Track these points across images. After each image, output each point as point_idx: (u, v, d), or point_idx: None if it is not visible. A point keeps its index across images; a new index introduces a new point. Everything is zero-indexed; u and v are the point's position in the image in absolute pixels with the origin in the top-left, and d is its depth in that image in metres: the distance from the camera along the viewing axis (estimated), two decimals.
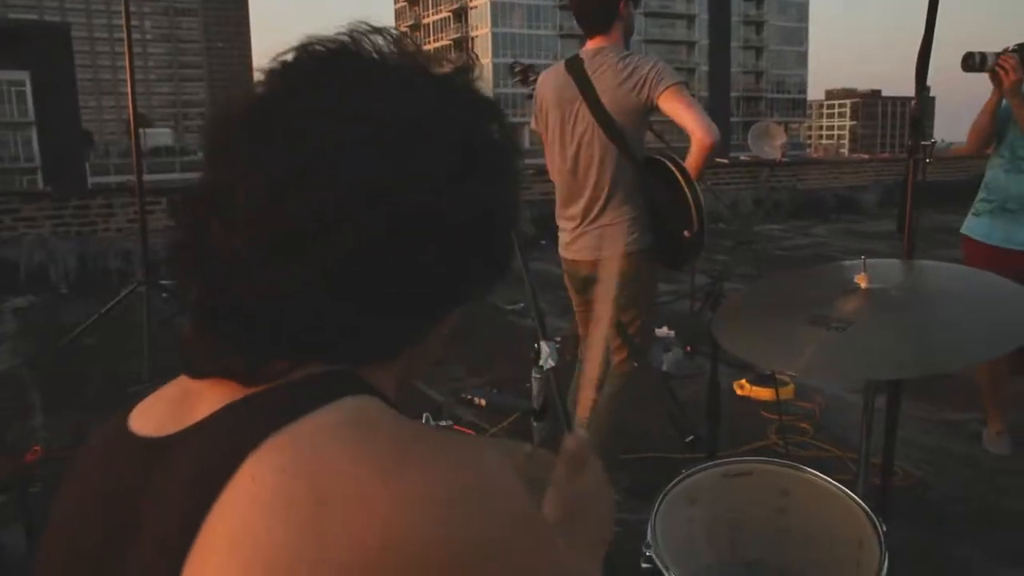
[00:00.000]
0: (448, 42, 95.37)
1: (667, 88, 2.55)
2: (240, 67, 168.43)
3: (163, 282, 6.75)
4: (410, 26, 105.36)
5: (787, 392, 4.14)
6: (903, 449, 3.37)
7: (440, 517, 0.51)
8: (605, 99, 2.62)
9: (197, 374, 0.62)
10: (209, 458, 0.55)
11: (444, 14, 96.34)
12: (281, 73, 0.61)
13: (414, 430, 0.57)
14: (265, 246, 0.56)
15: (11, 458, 3.15)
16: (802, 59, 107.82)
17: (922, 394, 4.00)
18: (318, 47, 0.61)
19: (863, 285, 1.33)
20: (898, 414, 1.60)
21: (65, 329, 5.56)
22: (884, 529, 1.22)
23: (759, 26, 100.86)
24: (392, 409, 0.59)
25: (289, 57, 0.61)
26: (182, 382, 0.66)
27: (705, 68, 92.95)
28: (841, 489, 1.31)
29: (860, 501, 1.29)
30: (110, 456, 0.65)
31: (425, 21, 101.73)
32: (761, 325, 1.42)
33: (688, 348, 4.75)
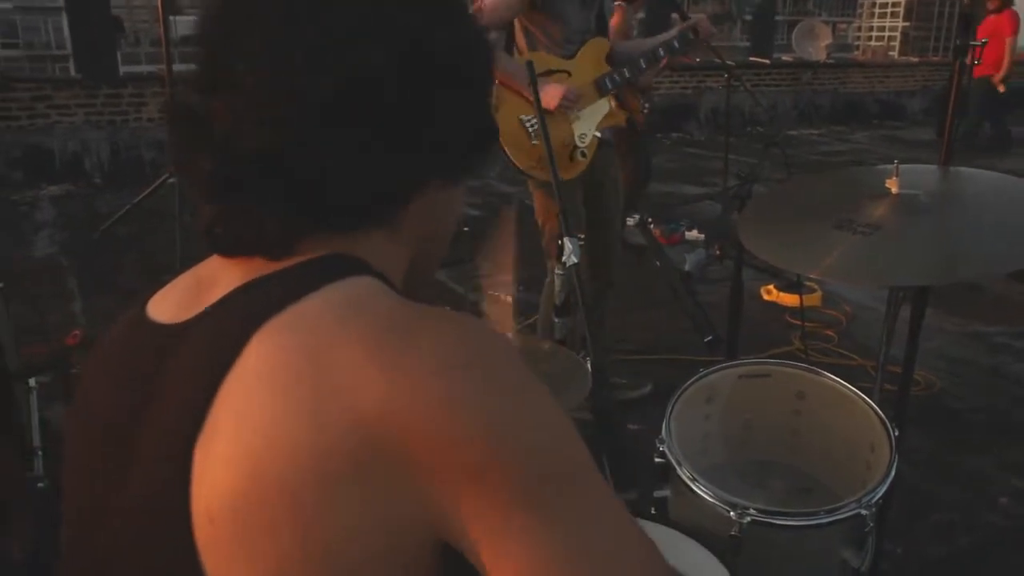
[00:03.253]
0: None
1: None
2: None
3: None
4: None
5: (814, 300, 4.12)
6: (929, 359, 3.37)
7: (439, 388, 0.52)
8: None
9: (224, 249, 0.64)
10: (218, 339, 0.57)
11: None
12: None
13: (412, 308, 0.58)
14: (269, 91, 0.58)
15: (53, 341, 3.26)
16: None
17: (952, 306, 3.97)
18: None
19: (893, 190, 1.30)
20: (921, 322, 1.59)
21: (100, 218, 5.65)
22: (896, 434, 1.23)
23: None
24: (392, 290, 0.61)
25: None
26: (196, 271, 0.68)
27: None
28: (856, 394, 1.32)
29: (875, 406, 1.30)
30: (128, 342, 0.68)
31: None
32: (786, 228, 1.41)
33: (718, 251, 4.71)
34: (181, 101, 0.62)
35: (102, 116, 7.56)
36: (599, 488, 0.55)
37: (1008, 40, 8.55)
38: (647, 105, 5.16)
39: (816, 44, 9.86)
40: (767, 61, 11.71)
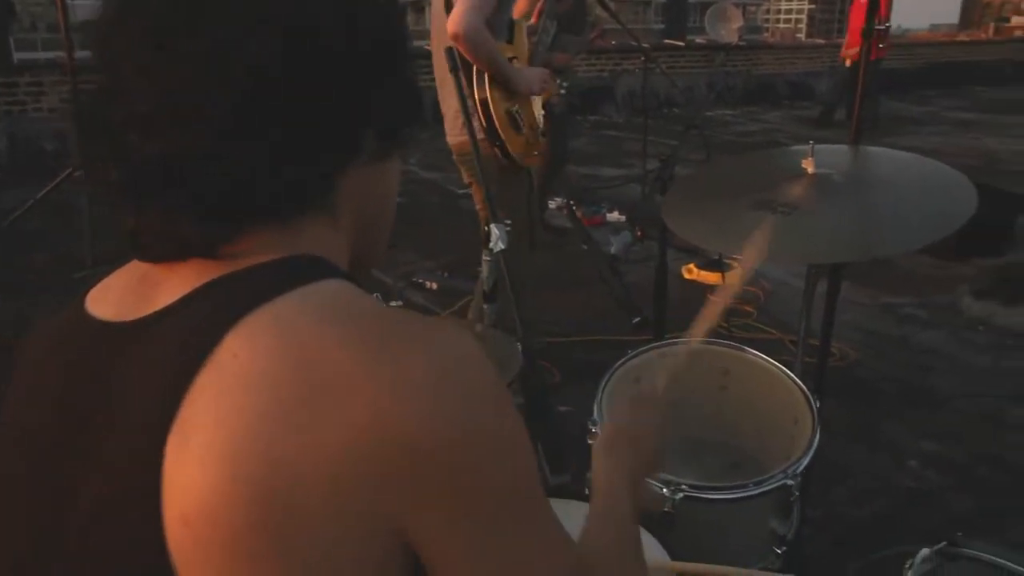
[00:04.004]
0: None
1: None
2: None
3: None
4: None
5: (734, 277, 4.24)
6: (844, 332, 3.51)
7: (425, 399, 0.53)
8: None
9: (153, 258, 0.61)
10: (187, 337, 0.55)
11: None
12: None
13: (392, 315, 0.59)
14: (166, 102, 0.56)
15: None
16: None
17: (863, 279, 4.13)
18: None
19: (809, 170, 1.34)
20: (837, 297, 1.65)
21: (3, 213, 5.38)
22: (818, 406, 1.28)
23: None
24: (366, 294, 0.60)
25: None
26: (135, 267, 0.65)
27: None
28: (779, 368, 1.37)
29: (797, 380, 1.35)
30: (67, 341, 0.65)
31: None
32: (708, 209, 1.44)
33: (640, 232, 4.79)
34: (80, 100, 0.60)
35: None
36: (542, 503, 0.60)
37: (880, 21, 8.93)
38: (565, 85, 5.20)
39: (728, 27, 10.08)
40: (682, 44, 11.93)
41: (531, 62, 2.92)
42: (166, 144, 0.56)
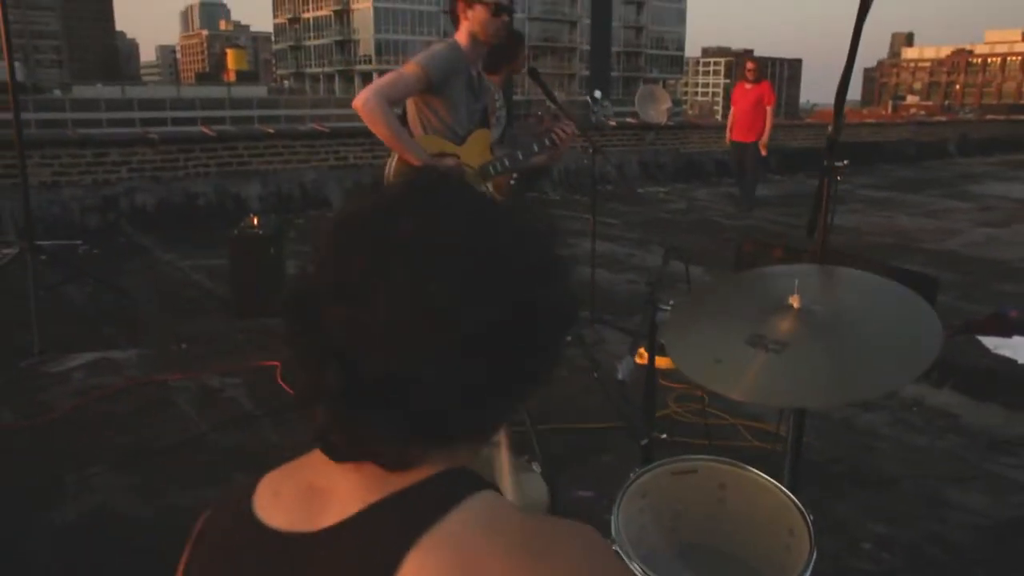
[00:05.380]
0: (328, 13, 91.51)
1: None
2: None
3: (42, 243, 6.36)
4: None
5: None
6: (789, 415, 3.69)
7: None
8: None
9: (337, 458, 0.70)
10: (372, 556, 0.64)
11: None
12: (397, 196, 0.71)
13: (540, 524, 0.69)
14: (407, 329, 0.65)
15: None
16: (680, 16, 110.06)
17: None
18: (423, 178, 0.73)
19: (795, 305, 1.51)
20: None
21: None
22: (812, 519, 1.42)
23: None
24: (510, 502, 0.71)
25: (408, 183, 0.73)
26: (302, 474, 0.74)
27: (587, 22, 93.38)
28: (774, 484, 1.51)
29: (791, 495, 1.48)
30: (242, 550, 0.73)
31: None
32: (706, 343, 1.61)
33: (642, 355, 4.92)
34: (295, 295, 0.69)
35: None
36: None
37: (769, 110, 9.48)
38: (514, 176, 5.40)
39: (658, 107, 10.58)
40: (613, 123, 12.43)
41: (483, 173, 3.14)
42: (399, 364, 0.65)
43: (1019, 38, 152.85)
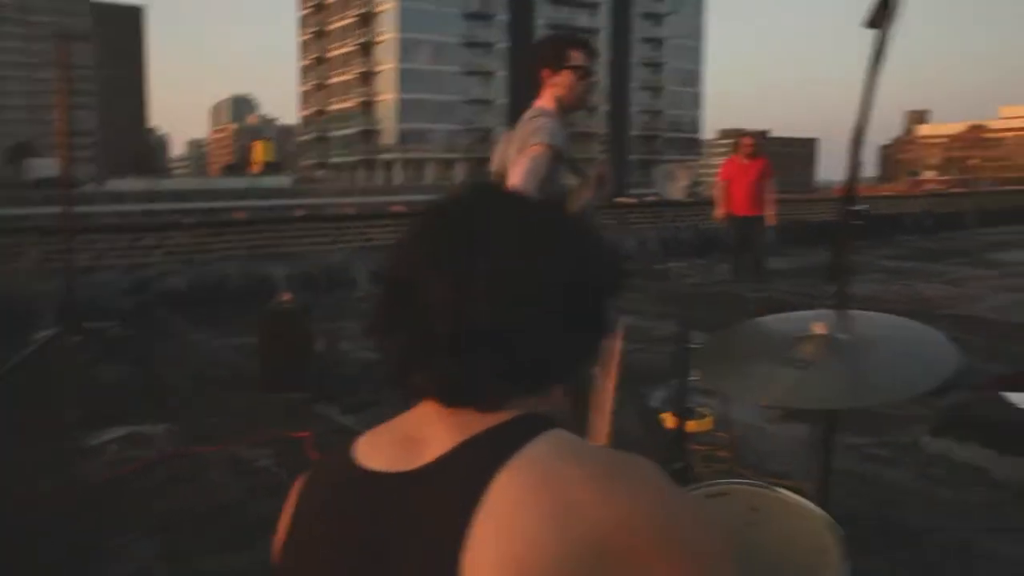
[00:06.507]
0: (354, 76, 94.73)
1: (528, 145, 2.87)
2: (134, 96, 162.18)
3: (80, 324, 6.55)
4: (315, 59, 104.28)
5: (706, 424, 4.47)
6: (814, 472, 3.70)
7: (644, 509, 0.77)
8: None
9: (449, 402, 0.84)
10: (469, 478, 0.76)
11: (350, 47, 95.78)
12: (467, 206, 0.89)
13: (606, 450, 0.83)
14: (506, 282, 0.81)
15: None
16: (696, 100, 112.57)
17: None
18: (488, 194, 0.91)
19: (821, 332, 1.65)
20: (834, 441, 1.89)
21: None
22: (843, 533, 1.48)
23: (656, 67, 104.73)
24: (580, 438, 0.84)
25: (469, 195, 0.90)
26: (398, 426, 0.88)
27: (606, 108, 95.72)
28: (806, 503, 1.58)
29: (821, 512, 1.55)
30: (348, 489, 0.85)
31: (330, 55, 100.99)
32: (742, 364, 1.76)
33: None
34: (395, 272, 0.85)
35: None
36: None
37: (769, 183, 9.53)
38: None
39: (676, 184, 10.83)
40: (635, 200, 12.69)
41: None
42: (503, 317, 0.80)
43: None
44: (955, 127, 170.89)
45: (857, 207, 1.90)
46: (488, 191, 0.91)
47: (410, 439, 0.84)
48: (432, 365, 0.81)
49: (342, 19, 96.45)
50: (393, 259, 0.85)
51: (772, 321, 1.85)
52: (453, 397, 0.83)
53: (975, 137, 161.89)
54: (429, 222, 0.86)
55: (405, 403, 0.90)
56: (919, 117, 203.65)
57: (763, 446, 4.24)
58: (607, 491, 0.75)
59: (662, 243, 12.46)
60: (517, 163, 2.88)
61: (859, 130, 1.86)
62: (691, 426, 4.32)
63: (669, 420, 4.55)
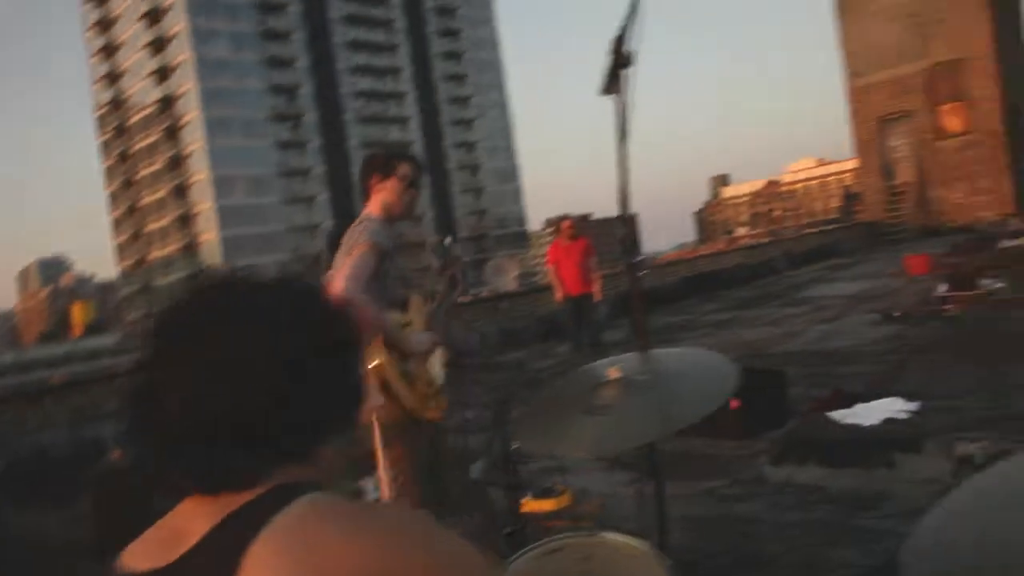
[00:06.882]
0: (171, 220, 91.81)
1: (354, 247, 2.94)
2: None
3: None
4: (127, 208, 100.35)
5: (565, 500, 4.51)
6: (675, 523, 3.81)
7: (402, 555, 0.81)
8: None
9: (208, 489, 0.85)
10: (223, 555, 0.78)
11: (163, 192, 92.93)
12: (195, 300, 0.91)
13: (361, 504, 0.87)
14: (238, 384, 0.85)
15: None
16: (517, 195, 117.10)
17: (682, 473, 4.55)
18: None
19: (615, 376, 1.74)
20: (664, 488, 1.94)
21: None
22: (671, 563, 1.54)
23: (474, 169, 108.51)
24: (332, 495, 0.86)
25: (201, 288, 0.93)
26: (164, 524, 0.89)
27: (431, 215, 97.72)
28: (635, 543, 1.63)
29: (650, 547, 1.61)
30: None
31: (142, 203, 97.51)
32: (552, 422, 1.84)
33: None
34: (134, 379, 0.87)
35: None
36: None
37: (592, 262, 10.07)
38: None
39: (506, 277, 11.14)
40: (468, 298, 12.91)
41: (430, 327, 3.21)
42: (237, 400, 0.83)
43: (814, 164, 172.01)
44: (755, 184, 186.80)
45: (636, 259, 2.05)
46: (214, 283, 0.94)
47: (175, 533, 0.85)
48: (182, 459, 0.83)
49: (150, 165, 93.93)
50: (131, 368, 0.88)
51: (574, 375, 1.95)
52: (209, 485, 0.85)
53: (772, 192, 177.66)
54: (158, 325, 0.89)
55: None
56: (722, 180, 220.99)
57: (623, 511, 4.32)
58: (358, 542, 0.79)
59: (502, 335, 12.68)
60: (343, 265, 2.93)
61: (623, 196, 2.02)
62: (550, 504, 4.35)
63: (529, 504, 4.56)
